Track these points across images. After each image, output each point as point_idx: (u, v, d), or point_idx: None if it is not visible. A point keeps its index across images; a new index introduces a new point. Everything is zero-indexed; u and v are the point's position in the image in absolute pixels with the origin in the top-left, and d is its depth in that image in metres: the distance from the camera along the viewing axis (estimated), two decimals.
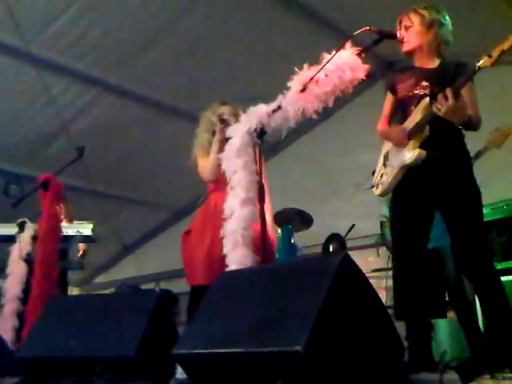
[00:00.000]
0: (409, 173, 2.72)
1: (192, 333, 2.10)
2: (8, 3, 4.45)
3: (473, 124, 2.60)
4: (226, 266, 2.79)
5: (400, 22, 2.79)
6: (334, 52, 2.66)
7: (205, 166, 3.43)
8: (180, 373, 2.76)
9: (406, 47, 2.78)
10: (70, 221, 4.95)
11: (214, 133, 3.49)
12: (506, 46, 2.31)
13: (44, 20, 4.73)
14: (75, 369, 2.59)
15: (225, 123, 3.37)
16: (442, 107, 2.44)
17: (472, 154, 3.02)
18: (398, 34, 2.76)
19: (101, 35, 4.94)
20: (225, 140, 3.21)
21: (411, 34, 2.74)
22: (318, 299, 1.74)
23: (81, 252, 5.25)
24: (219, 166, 3.09)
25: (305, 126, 5.80)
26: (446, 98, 2.42)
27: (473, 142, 2.88)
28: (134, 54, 5.19)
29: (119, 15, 4.80)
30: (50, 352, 2.71)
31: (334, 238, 5.48)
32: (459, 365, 2.17)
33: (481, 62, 2.36)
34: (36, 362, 2.76)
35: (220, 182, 3.29)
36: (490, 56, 2.33)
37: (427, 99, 2.64)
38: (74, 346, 2.63)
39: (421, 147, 2.65)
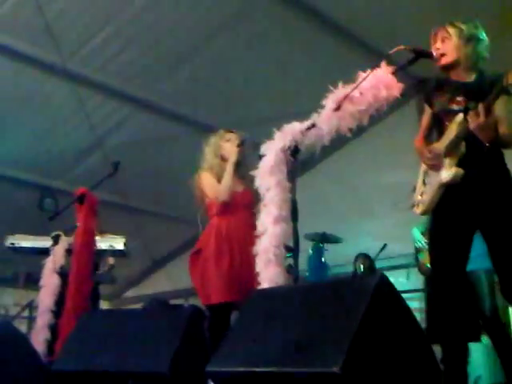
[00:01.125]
0: (448, 191, 2.67)
1: (227, 350, 2.10)
2: (47, 20, 4.57)
3: (502, 142, 2.56)
4: (248, 285, 2.83)
5: (435, 35, 2.76)
6: (368, 71, 2.66)
7: (218, 187, 3.47)
8: None
9: (443, 60, 2.72)
10: (101, 234, 5.00)
11: (221, 157, 3.59)
12: None
13: (81, 37, 4.86)
14: (108, 383, 2.60)
15: (243, 145, 3.45)
16: (471, 123, 2.41)
17: None
18: (434, 53, 2.73)
19: (136, 53, 5.04)
20: (239, 162, 3.46)
21: (448, 46, 2.70)
22: (356, 320, 1.72)
23: (109, 266, 5.29)
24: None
25: (336, 143, 5.78)
26: (477, 114, 2.40)
27: None
28: (169, 71, 5.28)
29: (155, 33, 4.90)
30: (83, 366, 2.72)
31: (363, 257, 5.43)
32: None
33: (510, 78, 2.33)
34: (70, 376, 2.78)
35: (228, 204, 3.42)
36: None
37: (461, 115, 2.59)
38: (107, 360, 2.65)
39: (458, 165, 2.61)
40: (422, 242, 4.17)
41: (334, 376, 1.67)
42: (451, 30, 2.73)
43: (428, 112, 2.88)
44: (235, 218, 3.48)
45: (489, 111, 2.41)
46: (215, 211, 3.51)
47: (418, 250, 4.32)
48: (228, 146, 3.59)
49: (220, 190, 3.44)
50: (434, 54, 2.73)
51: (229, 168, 3.47)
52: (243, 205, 3.51)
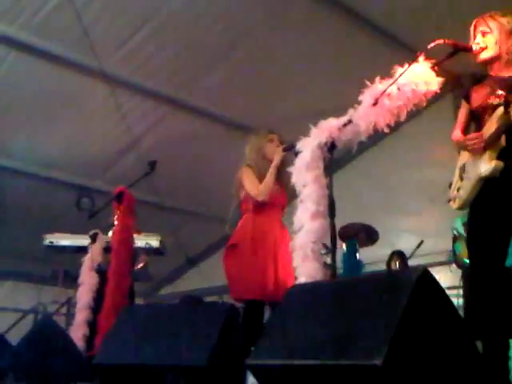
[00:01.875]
0: (486, 185, 2.64)
1: (266, 344, 2.11)
2: (84, 24, 4.67)
3: None
4: (282, 285, 2.85)
5: (475, 28, 2.73)
6: (406, 65, 2.64)
7: (259, 186, 3.54)
8: (251, 383, 2.79)
9: (484, 55, 2.69)
10: (138, 233, 5.07)
11: (263, 156, 3.67)
12: None
13: (118, 40, 4.94)
14: (147, 376, 2.64)
15: (288, 149, 3.48)
16: None
17: None
18: (473, 46, 2.70)
19: (171, 54, 5.11)
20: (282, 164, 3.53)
21: (489, 40, 2.67)
22: (398, 313, 1.72)
23: (141, 264, 5.36)
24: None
25: (371, 139, 5.77)
26: None
27: None
28: (204, 71, 5.33)
29: (189, 33, 4.95)
30: (123, 360, 2.77)
31: (397, 254, 5.39)
32: None
33: None
34: (110, 369, 2.84)
35: (265, 203, 3.52)
36: None
37: (502, 108, 2.56)
38: (146, 354, 2.69)
39: (498, 158, 2.58)
40: (461, 230, 4.11)
41: (375, 369, 1.67)
42: (492, 24, 2.69)
43: (465, 107, 2.84)
44: (270, 217, 3.57)
45: None
46: (251, 208, 3.57)
47: (455, 239, 4.27)
48: (270, 146, 3.67)
49: (261, 189, 3.52)
50: (474, 48, 2.70)
51: (272, 169, 3.55)
52: (278, 205, 3.61)
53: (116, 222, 4.10)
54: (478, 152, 2.65)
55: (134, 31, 4.86)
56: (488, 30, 2.67)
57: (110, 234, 4.38)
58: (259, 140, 3.73)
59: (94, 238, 4.62)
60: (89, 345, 4.17)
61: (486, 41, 2.68)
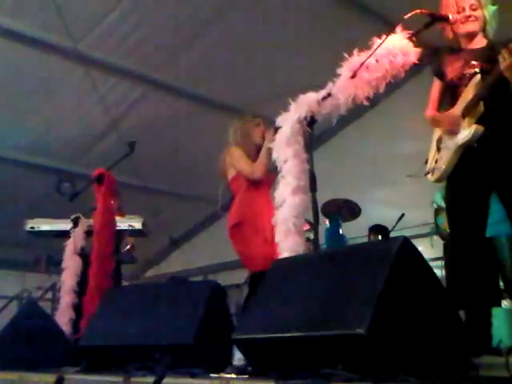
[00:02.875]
0: (464, 155, 2.66)
1: (251, 318, 2.12)
2: (57, 4, 4.57)
3: None
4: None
5: (455, 2, 2.74)
6: (384, 37, 2.63)
7: (255, 165, 3.56)
8: (237, 359, 2.81)
9: (471, 27, 2.74)
10: (122, 215, 5.04)
11: (250, 140, 3.69)
12: None
13: (92, 19, 4.86)
14: (134, 356, 2.64)
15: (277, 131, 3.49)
16: (504, 61, 2.40)
17: None
18: (451, 16, 2.70)
19: (148, 32, 5.03)
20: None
21: (478, 14, 2.72)
22: (380, 282, 1.73)
23: (129, 246, 5.34)
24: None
25: (351, 115, 5.77)
26: (509, 53, 2.39)
27: None
28: (181, 50, 5.27)
29: (165, 11, 4.88)
30: (110, 340, 2.77)
31: (378, 228, 5.42)
32: None
33: None
34: (97, 351, 2.83)
35: (260, 181, 3.55)
36: None
37: (478, 76, 2.61)
38: (133, 334, 2.70)
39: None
40: (442, 203, 4.16)
41: (359, 338, 1.68)
42: None
43: (437, 83, 2.88)
44: (265, 194, 3.60)
45: None
46: (244, 186, 3.58)
47: (437, 212, 4.31)
48: (258, 130, 3.70)
49: (256, 168, 3.54)
50: (452, 18, 2.71)
51: (266, 149, 3.50)
52: (269, 182, 3.63)
53: (97, 205, 4.06)
54: (452, 132, 2.68)
55: (108, 10, 4.79)
56: (478, 5, 2.71)
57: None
58: (246, 124, 3.77)
59: (75, 222, 4.56)
60: (75, 328, 4.15)
61: (476, 14, 2.71)
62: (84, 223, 4.53)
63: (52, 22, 4.71)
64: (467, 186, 2.68)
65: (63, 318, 4.24)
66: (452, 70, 2.77)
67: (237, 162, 3.63)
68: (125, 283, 6.03)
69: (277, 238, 2.81)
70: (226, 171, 3.72)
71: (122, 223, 4.80)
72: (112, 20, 4.83)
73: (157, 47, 5.21)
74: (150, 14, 4.87)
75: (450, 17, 2.71)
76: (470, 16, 2.72)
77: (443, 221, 4.16)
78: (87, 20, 4.86)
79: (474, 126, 2.60)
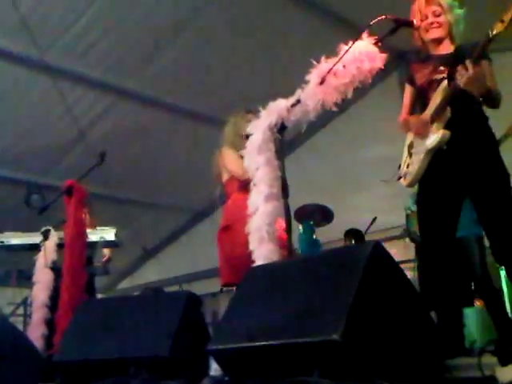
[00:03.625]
0: (435, 159, 2.70)
1: (226, 328, 2.11)
2: (22, 13, 4.50)
3: (493, 97, 2.58)
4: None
5: (427, 5, 2.77)
6: (350, 43, 2.65)
7: (243, 167, 3.32)
8: (214, 370, 2.78)
9: (437, 33, 2.76)
10: (94, 227, 4.98)
11: (241, 137, 3.47)
12: None
13: (58, 29, 4.78)
14: (110, 370, 2.61)
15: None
16: (462, 78, 2.43)
17: None
18: (415, 21, 2.74)
19: (115, 42, 4.98)
20: None
21: (442, 20, 2.75)
22: (353, 288, 1.74)
23: (106, 258, 5.27)
24: None
25: (321, 120, 5.81)
26: (466, 68, 2.42)
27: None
28: (148, 58, 5.23)
29: (131, 21, 4.84)
30: (84, 355, 2.73)
31: (353, 232, 5.46)
32: (496, 348, 2.15)
33: (494, 28, 2.34)
34: (71, 366, 2.79)
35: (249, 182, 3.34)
36: (502, 21, 2.32)
37: (445, 81, 2.64)
38: (107, 347, 2.66)
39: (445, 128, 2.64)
40: (414, 208, 4.21)
41: (334, 344, 1.69)
42: (444, 4, 2.76)
43: (409, 89, 2.92)
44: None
45: (477, 63, 2.44)
46: (236, 188, 3.51)
47: (408, 217, 4.36)
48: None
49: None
50: (416, 23, 2.75)
51: None
52: None
53: (67, 217, 4.00)
54: (421, 136, 2.72)
55: (73, 20, 4.72)
56: (441, 11, 2.74)
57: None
58: (237, 121, 3.68)
59: (46, 235, 4.49)
60: (48, 344, 4.08)
61: (439, 20, 2.75)
62: (54, 236, 4.46)
63: (17, 32, 4.63)
64: (438, 189, 2.72)
65: (35, 333, 4.16)
66: (421, 75, 2.81)
67: (228, 162, 3.55)
68: (99, 295, 5.96)
69: (251, 246, 2.80)
70: (220, 174, 3.63)
71: (94, 235, 4.74)
72: (78, 30, 4.77)
73: (124, 56, 5.16)
74: (117, 23, 4.83)
75: (415, 22, 2.74)
76: (432, 23, 2.75)
77: (414, 224, 4.21)
78: (53, 30, 4.78)
79: (442, 131, 2.64)
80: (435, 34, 2.77)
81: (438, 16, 2.76)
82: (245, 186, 3.44)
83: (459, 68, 2.45)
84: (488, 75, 2.58)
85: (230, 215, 3.51)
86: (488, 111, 2.71)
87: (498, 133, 3.25)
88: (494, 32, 2.35)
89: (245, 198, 3.44)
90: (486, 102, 2.61)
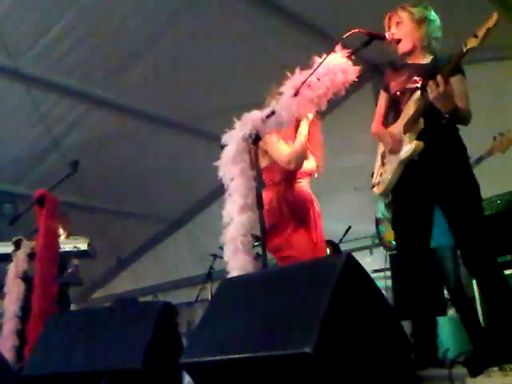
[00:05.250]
0: (407, 169, 2.74)
1: (199, 340, 2.10)
2: None
3: (460, 115, 2.62)
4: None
5: (389, 19, 2.84)
6: (324, 56, 2.68)
7: (291, 152, 3.23)
8: (187, 383, 2.76)
9: (402, 48, 2.82)
10: (67, 236, 4.92)
11: None
12: (490, 23, 2.32)
13: (31, 37, 4.73)
14: None
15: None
16: (432, 93, 2.46)
17: (474, 158, 3.07)
18: (387, 35, 2.79)
19: (89, 49, 4.95)
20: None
21: (402, 31, 2.79)
22: (325, 300, 1.75)
23: (73, 268, 5.20)
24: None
25: None
26: (437, 84, 2.46)
27: (476, 146, 2.90)
28: (122, 67, 5.21)
29: (105, 30, 4.81)
30: (54, 369, 2.68)
31: (328, 243, 5.46)
32: (467, 359, 2.18)
33: (468, 43, 2.38)
34: (41, 380, 2.73)
35: (296, 172, 3.30)
36: (476, 36, 2.35)
37: (418, 92, 2.68)
38: (78, 361, 2.61)
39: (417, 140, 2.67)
40: (384, 212, 4.23)
41: (307, 357, 1.69)
42: (403, 15, 2.80)
43: (384, 97, 2.95)
44: (301, 187, 3.38)
45: (447, 80, 2.47)
46: (278, 179, 3.31)
47: (378, 222, 4.39)
48: None
49: (294, 155, 3.22)
50: (388, 37, 2.80)
51: (303, 136, 3.28)
52: (306, 174, 3.42)
53: (39, 227, 3.95)
54: (393, 153, 2.76)
55: (47, 28, 4.67)
56: (400, 21, 2.79)
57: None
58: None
59: (17, 245, 4.44)
60: (19, 356, 4.01)
61: (399, 32, 2.79)
62: (26, 246, 4.40)
63: None
64: (410, 198, 2.76)
65: (6, 344, 4.10)
66: (395, 84, 2.86)
67: (270, 148, 3.24)
68: (72, 306, 5.88)
69: (225, 257, 2.79)
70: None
71: (67, 244, 4.70)
72: (52, 37, 4.72)
73: (98, 65, 5.13)
74: (91, 31, 4.79)
75: (387, 35, 2.79)
76: (393, 34, 2.81)
77: (385, 230, 4.25)
78: (26, 37, 4.73)
79: (415, 142, 2.67)
80: (400, 49, 2.83)
81: (398, 25, 2.80)
82: (291, 176, 3.27)
83: (430, 83, 2.49)
84: (458, 92, 2.61)
85: (272, 212, 3.20)
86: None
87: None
88: (468, 47, 2.38)
89: (284, 192, 3.23)
90: (453, 120, 2.63)
